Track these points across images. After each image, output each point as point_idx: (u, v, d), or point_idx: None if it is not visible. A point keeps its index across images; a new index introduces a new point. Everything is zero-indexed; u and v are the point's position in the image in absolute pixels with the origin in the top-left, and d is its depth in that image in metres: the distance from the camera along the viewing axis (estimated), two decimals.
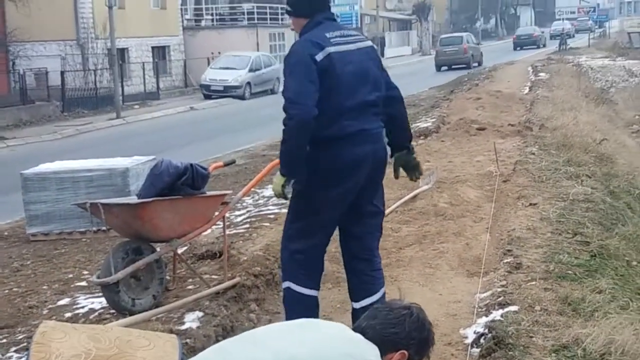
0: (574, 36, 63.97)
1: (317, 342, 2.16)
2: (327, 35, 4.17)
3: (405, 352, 2.33)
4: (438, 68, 39.90)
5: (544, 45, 55.61)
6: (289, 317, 4.24)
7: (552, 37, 54.13)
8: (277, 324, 2.48)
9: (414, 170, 4.64)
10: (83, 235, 7.66)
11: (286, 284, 4.34)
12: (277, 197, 4.25)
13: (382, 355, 2.25)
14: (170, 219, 4.98)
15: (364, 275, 4.37)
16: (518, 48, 55.56)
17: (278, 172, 4.19)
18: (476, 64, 39.86)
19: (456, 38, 43.00)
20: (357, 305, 4.34)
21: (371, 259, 4.41)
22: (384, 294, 4.42)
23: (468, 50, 40.74)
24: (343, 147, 4.09)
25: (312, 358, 2.04)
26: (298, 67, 4.08)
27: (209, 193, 5.32)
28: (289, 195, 4.16)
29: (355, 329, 2.41)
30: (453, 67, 39.40)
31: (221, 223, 5.69)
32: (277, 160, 5.23)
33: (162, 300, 5.18)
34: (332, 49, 4.11)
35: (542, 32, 58.04)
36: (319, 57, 4.06)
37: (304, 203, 4.25)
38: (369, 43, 4.40)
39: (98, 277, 4.96)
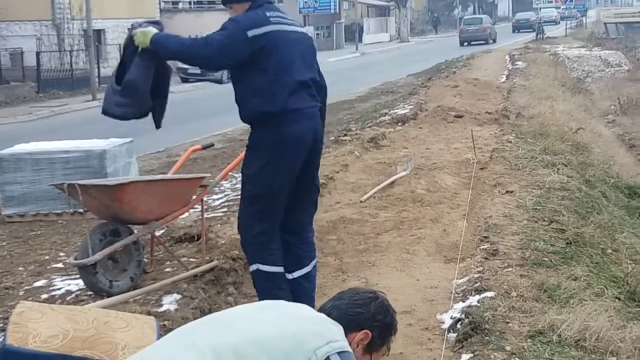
0: (559, 22, 64.85)
1: (284, 322, 2.16)
2: (268, 14, 4.37)
3: (369, 332, 2.36)
4: (461, 43, 46.65)
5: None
6: (263, 298, 4.36)
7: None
8: (243, 305, 2.46)
9: None
10: (59, 217, 7.59)
11: (254, 266, 4.45)
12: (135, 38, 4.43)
13: (345, 334, 2.26)
14: (148, 201, 4.95)
15: (294, 248, 4.56)
16: (516, 31, 58.85)
17: (149, 29, 4.41)
18: (492, 41, 47.17)
19: (477, 19, 51.60)
20: (290, 276, 4.54)
21: (302, 233, 4.61)
22: (315, 265, 4.68)
23: (487, 29, 48.35)
24: (287, 124, 4.28)
25: (279, 337, 2.04)
26: (230, 36, 4.27)
27: (187, 176, 5.29)
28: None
29: (320, 310, 2.44)
30: (473, 43, 46.16)
31: (199, 206, 5.67)
32: None
33: (139, 283, 5.16)
34: (271, 27, 4.33)
35: (537, 17, 59.64)
36: (253, 32, 4.26)
37: (258, 186, 4.38)
38: (304, 30, 4.68)
39: (75, 259, 4.93)
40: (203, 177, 5.54)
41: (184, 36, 4.55)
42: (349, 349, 2.15)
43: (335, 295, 2.50)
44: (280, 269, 4.47)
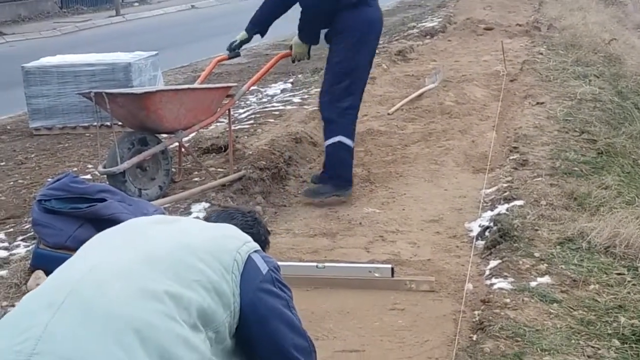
0: None
1: (197, 230, 2.17)
2: None
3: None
4: None
5: None
6: (337, 168, 5.20)
7: None
8: (138, 220, 2.32)
9: None
10: (86, 130, 7.62)
11: (337, 138, 5.13)
12: (298, 60, 5.39)
13: None
14: (175, 110, 4.93)
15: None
16: None
17: (296, 39, 5.28)
18: None
19: None
20: None
21: None
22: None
23: None
24: (367, 10, 5.10)
25: (201, 242, 2.03)
26: None
27: (214, 85, 5.25)
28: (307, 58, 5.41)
29: None
30: None
31: (226, 118, 5.64)
32: (282, 54, 5.30)
33: (168, 192, 5.19)
34: None
35: None
36: None
37: (347, 63, 5.07)
38: None
39: (104, 167, 4.95)
40: (230, 87, 5.49)
41: None
42: (259, 247, 2.21)
43: (222, 214, 2.48)
44: (353, 146, 5.27)
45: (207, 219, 2.45)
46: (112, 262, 1.90)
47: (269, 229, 2.66)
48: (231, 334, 2.01)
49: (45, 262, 3.85)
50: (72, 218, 3.88)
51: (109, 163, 4.90)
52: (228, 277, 2.00)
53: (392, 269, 3.95)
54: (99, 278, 1.83)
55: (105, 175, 5.04)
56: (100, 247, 2.06)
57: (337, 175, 5.24)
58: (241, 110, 8.21)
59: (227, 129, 5.73)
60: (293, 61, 5.49)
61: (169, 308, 1.80)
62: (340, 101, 5.11)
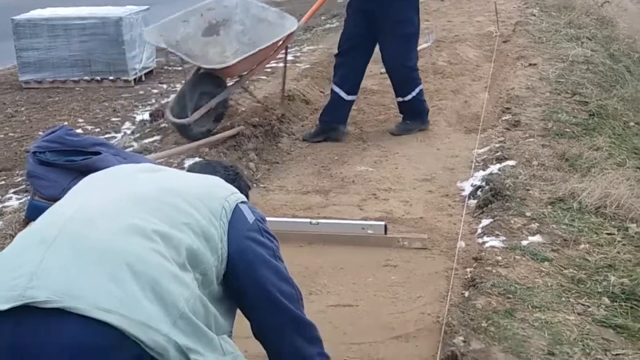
0: None
1: (186, 178, 2.22)
2: None
3: None
4: None
5: None
6: (420, 109, 5.91)
7: None
8: (123, 167, 2.36)
9: None
10: (77, 84, 7.58)
11: (420, 86, 5.87)
12: None
13: None
14: (246, 64, 5.41)
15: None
16: None
17: None
18: None
19: None
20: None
21: None
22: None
23: None
24: None
25: (190, 187, 2.08)
26: None
27: (281, 36, 5.57)
28: None
29: None
30: None
31: None
32: None
33: (161, 146, 5.18)
34: None
35: None
36: None
37: (414, 24, 5.73)
38: None
39: (174, 117, 5.22)
40: (293, 33, 5.68)
41: None
42: (245, 199, 2.26)
43: (206, 167, 2.50)
44: None
45: (190, 171, 2.48)
46: (100, 200, 1.93)
47: (249, 183, 2.68)
48: (218, 279, 2.03)
49: (40, 213, 3.80)
50: (67, 170, 3.86)
51: (178, 113, 5.20)
52: (216, 223, 2.03)
53: (385, 226, 3.99)
54: (88, 215, 1.86)
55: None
56: (87, 188, 2.10)
57: (422, 114, 5.92)
58: None
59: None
60: None
61: (159, 245, 1.83)
62: (410, 59, 5.77)
